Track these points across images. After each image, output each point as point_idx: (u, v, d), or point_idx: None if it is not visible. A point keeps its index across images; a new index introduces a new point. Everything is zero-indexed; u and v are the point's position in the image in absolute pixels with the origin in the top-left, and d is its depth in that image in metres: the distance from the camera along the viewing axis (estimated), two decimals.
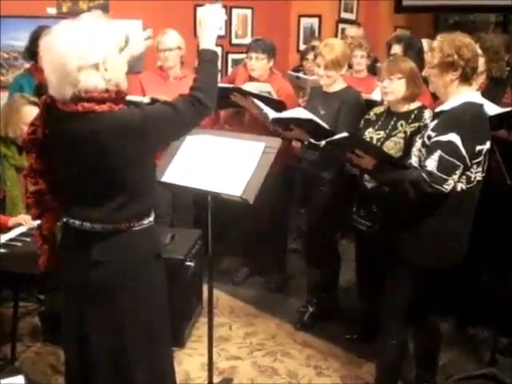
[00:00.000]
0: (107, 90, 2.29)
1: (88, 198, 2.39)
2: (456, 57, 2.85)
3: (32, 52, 4.55)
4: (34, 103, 3.70)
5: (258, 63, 4.48)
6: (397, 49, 4.65)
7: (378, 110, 3.74)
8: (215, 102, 2.51)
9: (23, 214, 3.60)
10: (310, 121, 3.44)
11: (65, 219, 2.49)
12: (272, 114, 3.75)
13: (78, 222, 2.42)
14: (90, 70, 2.23)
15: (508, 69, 4.10)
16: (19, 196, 3.63)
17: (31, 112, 3.59)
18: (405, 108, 3.56)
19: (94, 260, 2.40)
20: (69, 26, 2.28)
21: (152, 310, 2.54)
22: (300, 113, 3.55)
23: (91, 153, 2.28)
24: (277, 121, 3.70)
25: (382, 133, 3.59)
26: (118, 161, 2.30)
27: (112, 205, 2.36)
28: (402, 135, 3.50)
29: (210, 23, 2.60)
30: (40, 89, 4.13)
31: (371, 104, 3.96)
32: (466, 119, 2.82)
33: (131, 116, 2.30)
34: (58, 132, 2.35)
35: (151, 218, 2.52)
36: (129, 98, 2.64)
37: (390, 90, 3.50)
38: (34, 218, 2.59)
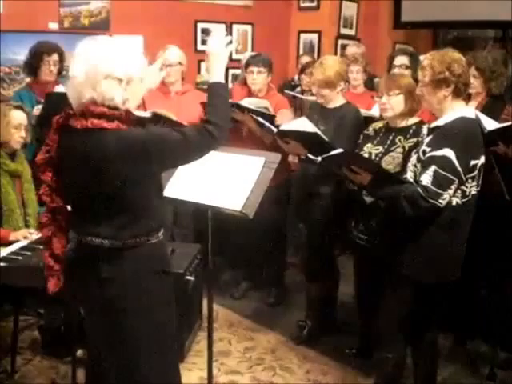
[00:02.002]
0: (118, 109, 2.36)
1: (96, 214, 2.44)
2: (447, 73, 2.88)
3: (32, 66, 4.59)
4: (20, 107, 3.73)
5: (260, 77, 4.57)
6: (403, 60, 4.65)
7: (377, 125, 3.76)
8: (226, 135, 2.53)
9: (20, 220, 3.62)
10: (315, 135, 3.47)
11: (77, 235, 2.53)
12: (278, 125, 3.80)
13: (88, 238, 2.46)
14: (113, 82, 2.35)
15: (505, 84, 4.10)
16: (15, 202, 3.63)
17: (18, 116, 3.65)
18: (403, 123, 3.57)
19: (103, 276, 2.43)
20: (110, 40, 2.46)
21: (159, 325, 2.55)
22: (305, 125, 3.57)
23: (96, 170, 2.34)
24: (282, 133, 3.73)
25: (380, 148, 3.61)
26: (121, 180, 2.34)
27: (117, 222, 2.41)
28: (401, 150, 3.51)
29: (219, 56, 2.61)
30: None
31: (369, 120, 3.98)
32: (459, 134, 2.84)
33: (135, 137, 2.35)
34: (69, 149, 2.41)
35: (159, 234, 2.56)
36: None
37: (389, 105, 3.51)
38: (46, 239, 2.57)
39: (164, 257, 2.63)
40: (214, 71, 2.60)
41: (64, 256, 2.55)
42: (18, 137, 3.64)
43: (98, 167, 2.33)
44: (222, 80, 2.61)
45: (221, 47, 2.63)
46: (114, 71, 2.34)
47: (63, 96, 2.52)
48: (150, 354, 2.53)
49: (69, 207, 2.55)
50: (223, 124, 2.51)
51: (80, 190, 2.43)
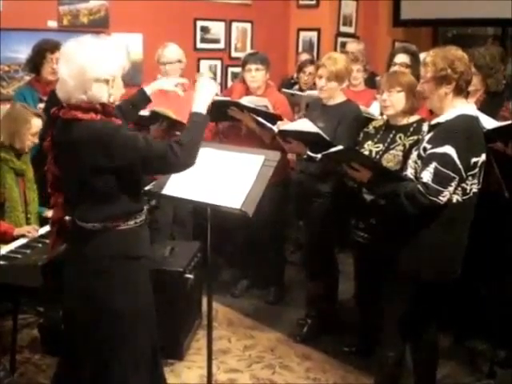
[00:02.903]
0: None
1: (73, 197, 2.69)
2: (449, 70, 2.88)
3: (34, 64, 4.59)
4: (38, 115, 3.85)
5: (259, 74, 4.56)
6: (404, 58, 4.65)
7: (377, 123, 3.76)
8: (191, 160, 2.62)
9: (21, 217, 3.69)
10: (316, 134, 3.47)
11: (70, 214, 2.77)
12: (279, 126, 3.79)
13: (75, 218, 2.69)
14: (102, 84, 2.54)
15: (504, 82, 4.11)
16: (18, 199, 3.71)
17: (38, 123, 3.81)
18: (404, 121, 3.57)
19: (76, 255, 2.69)
20: (92, 40, 2.58)
21: (119, 311, 2.65)
22: (306, 125, 3.58)
23: (69, 156, 2.58)
24: (283, 133, 3.72)
25: (380, 146, 3.61)
26: (87, 166, 2.53)
27: (85, 206, 2.62)
28: (401, 148, 3.51)
29: (206, 92, 2.80)
30: (47, 101, 4.23)
31: (369, 120, 3.96)
32: (461, 132, 2.84)
33: (101, 129, 2.51)
34: (56, 138, 2.66)
35: (131, 222, 2.68)
36: None
37: (390, 103, 3.51)
38: (52, 206, 2.83)
39: (134, 243, 2.71)
40: (198, 102, 2.76)
41: (60, 224, 2.80)
42: (30, 142, 3.80)
43: (69, 153, 2.56)
44: (204, 111, 2.75)
45: (208, 82, 2.87)
46: (102, 74, 2.52)
47: None
48: (109, 343, 2.67)
49: None
50: (191, 149, 2.61)
51: (64, 173, 2.68)
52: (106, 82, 2.54)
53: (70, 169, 2.62)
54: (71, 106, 2.53)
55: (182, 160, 2.58)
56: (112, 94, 2.58)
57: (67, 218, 2.76)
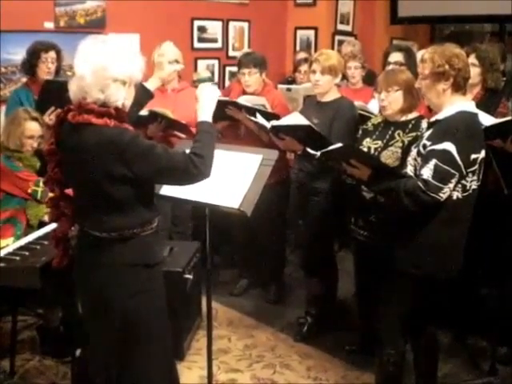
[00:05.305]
0: (109, 106, 2.47)
1: (83, 205, 2.62)
2: (447, 66, 2.88)
3: (30, 65, 4.58)
4: (36, 119, 3.94)
5: (252, 78, 4.54)
6: (398, 56, 4.65)
7: (376, 120, 3.75)
8: (209, 171, 2.59)
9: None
10: (308, 127, 3.47)
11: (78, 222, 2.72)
12: (271, 122, 3.78)
13: (84, 228, 2.64)
14: (120, 85, 2.50)
15: (504, 79, 4.11)
16: None
17: (32, 127, 3.90)
18: (402, 118, 3.57)
19: (90, 263, 2.61)
20: (115, 41, 2.58)
21: (138, 319, 2.63)
22: (297, 119, 3.58)
23: (80, 163, 2.50)
24: (275, 128, 3.72)
25: (379, 142, 3.60)
26: (101, 174, 2.47)
27: (99, 215, 2.56)
28: (400, 145, 3.50)
29: (209, 99, 2.78)
30: (39, 104, 4.24)
31: (367, 118, 3.95)
32: (460, 128, 2.84)
33: (119, 136, 2.45)
34: (65, 143, 2.57)
35: (147, 229, 2.63)
36: None
37: (388, 103, 3.50)
38: (52, 221, 2.86)
39: (148, 251, 2.68)
40: (204, 110, 2.75)
41: (66, 240, 2.73)
42: (29, 146, 3.90)
43: (81, 160, 2.49)
44: (210, 119, 2.73)
45: (209, 88, 2.85)
46: (121, 75, 2.49)
47: (61, 84, 2.63)
48: (125, 343, 2.64)
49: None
50: (208, 160, 2.59)
51: (72, 180, 2.64)
52: (124, 83, 2.50)
53: (81, 176, 2.54)
54: (83, 109, 2.46)
55: (202, 172, 2.54)
56: (126, 98, 2.54)
57: (73, 228, 2.73)
